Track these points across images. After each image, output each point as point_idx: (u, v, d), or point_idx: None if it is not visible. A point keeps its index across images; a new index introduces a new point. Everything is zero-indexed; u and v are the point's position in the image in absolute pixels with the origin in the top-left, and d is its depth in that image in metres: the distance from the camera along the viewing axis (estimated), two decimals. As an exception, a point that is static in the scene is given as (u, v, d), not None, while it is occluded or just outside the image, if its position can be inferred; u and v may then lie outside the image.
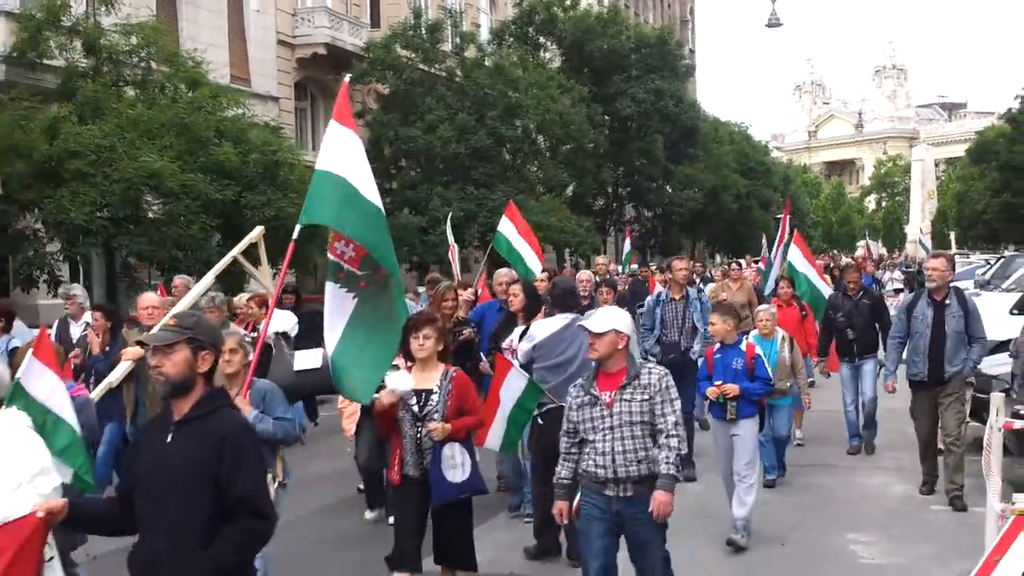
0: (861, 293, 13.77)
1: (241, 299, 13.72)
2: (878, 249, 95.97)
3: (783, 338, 11.96)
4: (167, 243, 19.82)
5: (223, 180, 20.72)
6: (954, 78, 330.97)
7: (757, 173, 67.86)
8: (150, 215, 20.19)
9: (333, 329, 7.56)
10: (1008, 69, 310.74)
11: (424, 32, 34.88)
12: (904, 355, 11.36)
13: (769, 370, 9.88)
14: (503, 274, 12.14)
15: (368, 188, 7.44)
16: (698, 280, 27.66)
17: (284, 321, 11.76)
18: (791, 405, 12.23)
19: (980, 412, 12.22)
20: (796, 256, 17.00)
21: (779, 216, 63.67)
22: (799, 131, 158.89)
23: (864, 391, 13.46)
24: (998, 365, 13.31)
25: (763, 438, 11.15)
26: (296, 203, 21.94)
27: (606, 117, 45.19)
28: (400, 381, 7.33)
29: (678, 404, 6.65)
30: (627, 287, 21.97)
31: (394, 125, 33.95)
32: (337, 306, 7.60)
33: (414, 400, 7.42)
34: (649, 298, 14.06)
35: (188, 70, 22.92)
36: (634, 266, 29.65)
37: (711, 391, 9.60)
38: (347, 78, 8.57)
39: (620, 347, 6.64)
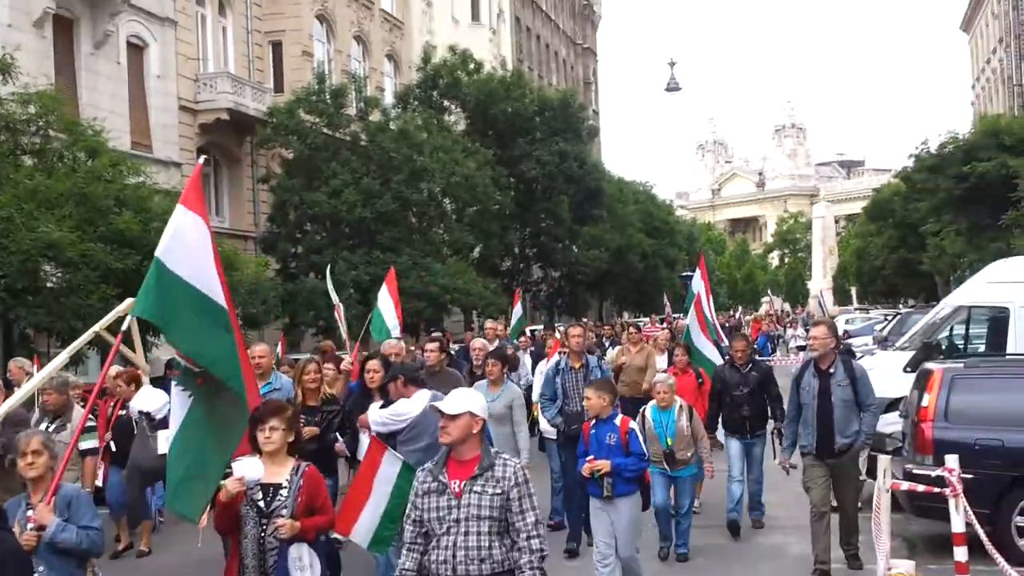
0: (750, 366, 13.16)
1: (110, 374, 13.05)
2: (781, 305, 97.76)
3: (681, 407, 11.72)
4: (66, 314, 19.50)
5: (124, 249, 20.46)
6: (852, 136, 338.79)
7: (662, 232, 68.73)
8: (49, 285, 19.87)
9: (172, 429, 7.07)
10: (904, 127, 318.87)
11: (328, 97, 34.93)
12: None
13: (643, 446, 9.60)
14: (392, 345, 12.23)
15: (209, 283, 6.96)
16: (607, 343, 27.77)
17: (152, 400, 11.34)
18: (694, 476, 12.00)
19: (875, 470, 12.53)
20: (692, 323, 16.56)
21: (685, 274, 64.88)
22: (703, 189, 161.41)
23: (751, 470, 12.96)
24: (891, 424, 13.63)
25: (658, 506, 11.25)
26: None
27: (511, 179, 45.50)
28: (250, 468, 6.62)
29: (536, 500, 6.00)
30: (524, 351, 21.83)
31: (299, 190, 33.87)
32: (177, 405, 7.09)
33: (260, 495, 6.72)
34: (548, 366, 13.47)
35: (87, 139, 22.70)
36: (534, 328, 28.22)
37: (584, 467, 9.40)
38: (201, 160, 8.24)
39: (475, 431, 6.03)
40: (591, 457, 9.38)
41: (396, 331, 17.37)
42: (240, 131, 37.00)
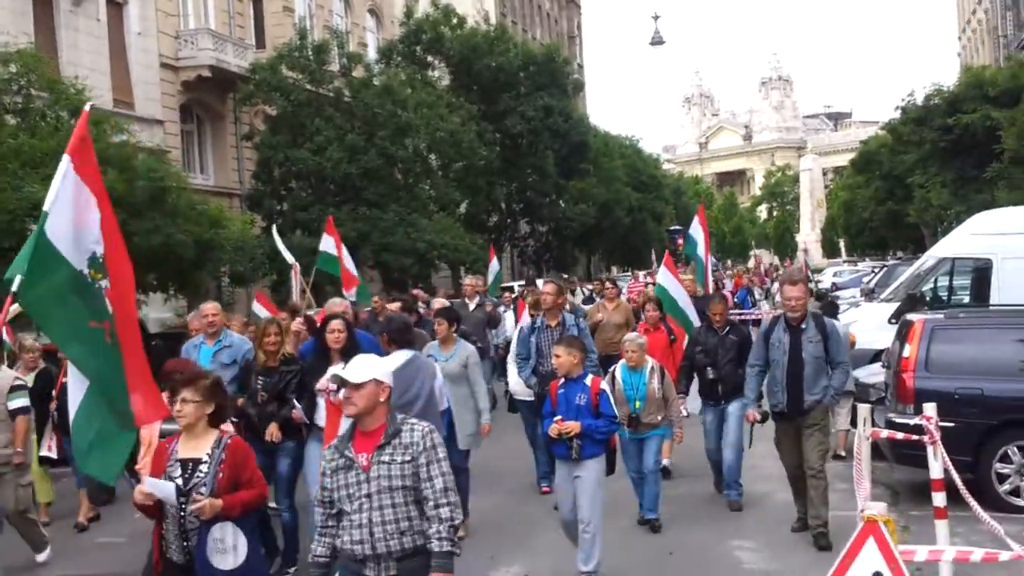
0: (727, 328, 12.30)
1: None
2: (771, 259, 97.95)
3: (652, 368, 11.11)
4: (50, 273, 19.47)
5: (108, 208, 20.44)
6: (839, 88, 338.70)
7: (648, 186, 68.75)
8: (33, 245, 19.84)
9: (76, 394, 6.67)
10: (891, 79, 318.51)
11: (310, 53, 34.81)
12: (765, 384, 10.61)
13: (614, 407, 9.18)
14: (338, 303, 12.24)
15: (63, 241, 6.46)
16: (598, 297, 27.41)
17: None
18: (662, 436, 11.31)
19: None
20: (666, 278, 15.44)
21: (674, 228, 64.81)
22: (690, 143, 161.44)
23: (727, 436, 11.84)
24: (875, 375, 13.76)
25: (634, 474, 11.00)
26: (184, 229, 21.78)
27: (496, 135, 45.47)
28: (160, 489, 6.17)
29: (447, 465, 5.65)
30: (507, 307, 21.74)
31: (283, 147, 33.85)
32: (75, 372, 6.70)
33: (178, 472, 6.28)
34: (523, 324, 13.03)
35: (70, 97, 22.60)
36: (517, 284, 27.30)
37: (552, 428, 8.95)
38: (87, 107, 7.63)
39: (381, 400, 5.69)
40: (559, 417, 8.96)
41: (352, 296, 17.78)
42: (222, 88, 36.83)
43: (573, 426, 8.87)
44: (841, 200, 78.89)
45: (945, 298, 18.39)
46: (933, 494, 8.09)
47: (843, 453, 13.55)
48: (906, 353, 11.36)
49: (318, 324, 11.39)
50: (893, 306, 17.64)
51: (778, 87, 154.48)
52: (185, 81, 35.36)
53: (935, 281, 18.66)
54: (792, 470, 10.49)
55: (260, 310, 17.66)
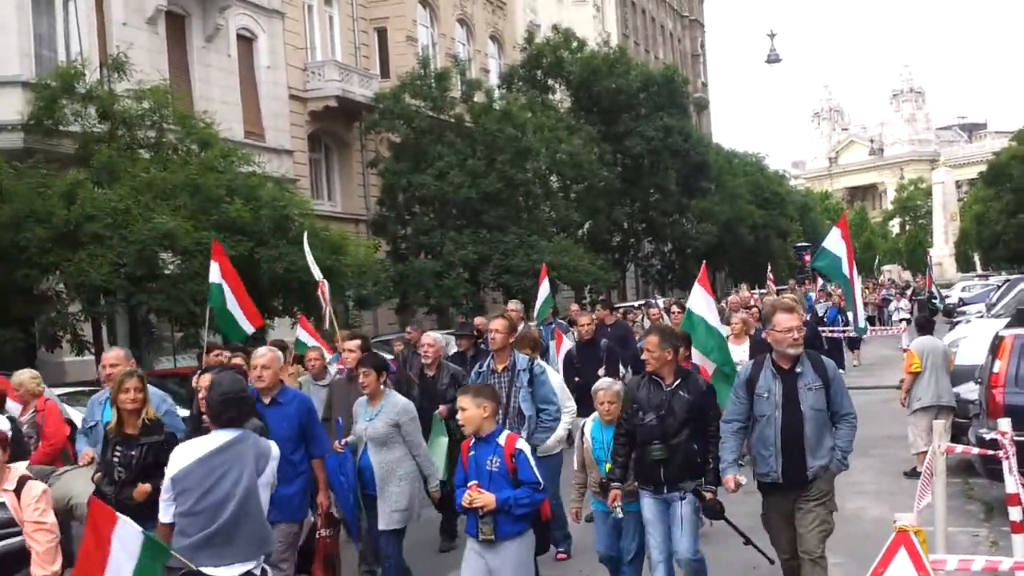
0: (677, 380, 8.25)
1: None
2: (900, 273, 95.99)
3: None
4: (184, 298, 20.44)
5: (235, 236, 21.35)
6: (974, 98, 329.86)
7: (772, 203, 68.35)
8: (166, 272, 20.82)
9: None
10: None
11: (432, 81, 35.67)
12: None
13: (536, 471, 7.33)
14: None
15: None
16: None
17: None
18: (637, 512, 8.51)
19: (958, 436, 12.80)
20: (700, 302, 11.67)
21: (801, 244, 63.94)
22: (819, 158, 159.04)
23: (678, 545, 8.14)
24: (973, 391, 13.84)
25: (606, 555, 8.98)
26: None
27: (617, 156, 45.84)
28: None
29: None
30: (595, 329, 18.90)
31: (406, 172, 34.74)
32: None
33: None
34: (474, 368, 10.76)
35: (199, 131, 23.70)
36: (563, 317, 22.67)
37: (464, 498, 7.25)
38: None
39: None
40: (473, 483, 7.26)
41: (250, 330, 15.29)
42: (348, 117, 37.97)
43: (485, 500, 7.15)
44: (973, 213, 77.32)
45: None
46: (1009, 508, 8.30)
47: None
48: (996, 368, 11.46)
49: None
50: (1003, 322, 17.51)
51: (910, 99, 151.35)
52: (313, 111, 36.49)
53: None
54: (786, 555, 8.26)
55: (306, 338, 15.88)
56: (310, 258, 18.02)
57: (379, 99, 35.95)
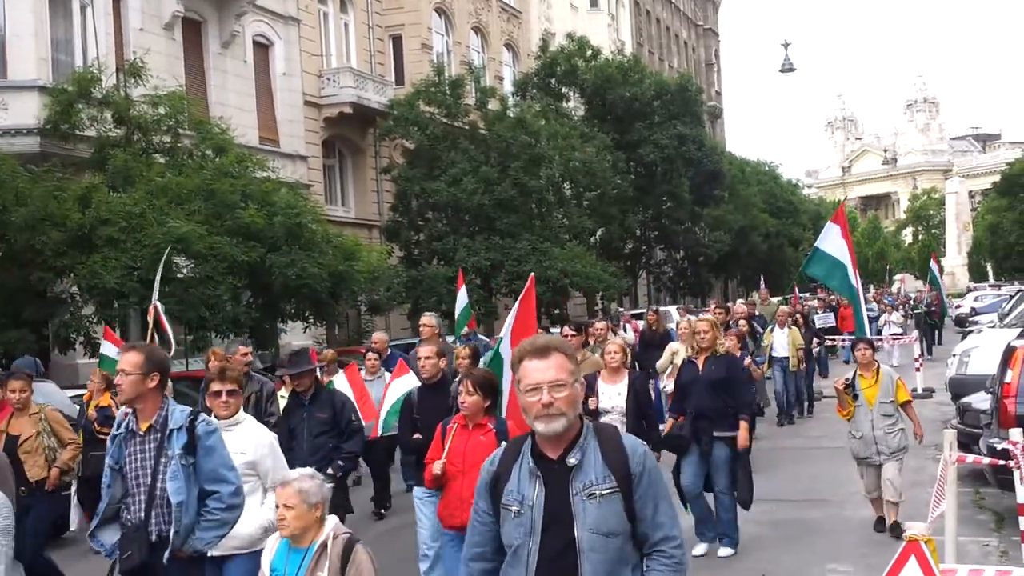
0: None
1: None
2: (914, 283, 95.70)
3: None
4: (196, 303, 20.52)
5: (249, 242, 21.42)
6: (987, 109, 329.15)
7: (785, 212, 68.30)
8: (179, 276, 20.92)
9: None
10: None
11: (446, 88, 35.75)
12: None
13: None
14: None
15: None
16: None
17: None
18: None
19: (969, 446, 12.77)
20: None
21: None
22: (832, 167, 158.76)
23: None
24: (985, 401, 13.81)
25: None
26: (318, 262, 22.74)
27: (630, 163, 45.84)
28: None
29: None
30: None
31: (420, 179, 34.77)
32: None
33: None
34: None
35: (214, 136, 23.81)
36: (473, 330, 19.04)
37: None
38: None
39: None
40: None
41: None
42: (363, 123, 38.12)
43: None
44: (987, 223, 77.20)
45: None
46: (1020, 518, 8.31)
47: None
48: (1008, 379, 11.42)
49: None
50: (1015, 332, 17.49)
51: (924, 109, 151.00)
52: (328, 118, 36.64)
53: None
54: None
55: (113, 353, 13.43)
56: (159, 277, 16.20)
57: (393, 106, 36.00)
